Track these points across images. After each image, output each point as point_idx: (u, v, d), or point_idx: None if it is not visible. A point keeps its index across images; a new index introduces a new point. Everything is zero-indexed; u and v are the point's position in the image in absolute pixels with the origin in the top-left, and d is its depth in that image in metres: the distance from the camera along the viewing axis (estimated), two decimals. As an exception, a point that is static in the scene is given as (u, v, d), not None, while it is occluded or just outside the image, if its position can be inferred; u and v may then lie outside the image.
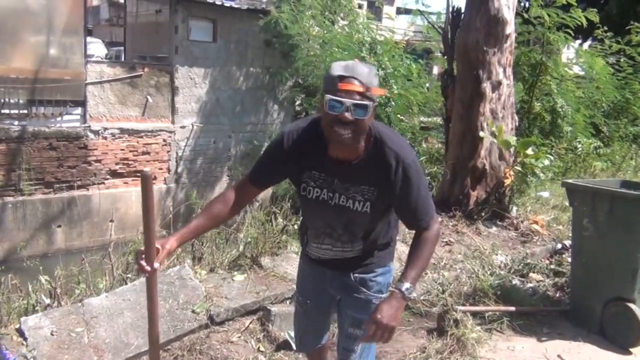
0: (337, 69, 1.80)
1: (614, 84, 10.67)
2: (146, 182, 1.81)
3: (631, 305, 3.50)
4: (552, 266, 4.74)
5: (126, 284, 3.53)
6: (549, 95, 9.28)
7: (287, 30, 12.08)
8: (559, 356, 3.45)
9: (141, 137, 12.43)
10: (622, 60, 11.02)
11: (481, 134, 5.54)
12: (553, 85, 9.22)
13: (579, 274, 3.85)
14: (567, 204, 4.33)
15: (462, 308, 3.61)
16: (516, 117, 6.08)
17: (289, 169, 2.04)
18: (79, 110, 11.56)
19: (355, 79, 1.76)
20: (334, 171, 1.97)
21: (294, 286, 3.56)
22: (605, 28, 10.73)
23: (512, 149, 5.69)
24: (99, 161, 11.80)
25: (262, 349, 3.18)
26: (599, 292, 3.67)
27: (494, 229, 5.48)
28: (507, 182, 5.62)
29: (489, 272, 4.37)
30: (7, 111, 10.65)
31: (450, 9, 6.57)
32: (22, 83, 10.72)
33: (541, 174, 5.81)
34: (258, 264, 3.87)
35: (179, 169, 13.23)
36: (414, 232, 2.04)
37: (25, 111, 10.86)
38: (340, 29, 12.46)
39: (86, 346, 2.88)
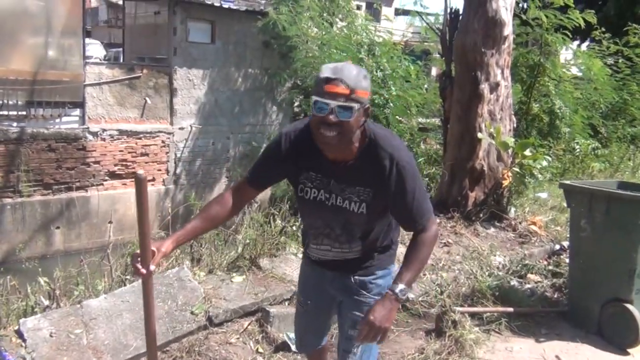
0: (326, 71, 1.81)
1: (611, 85, 10.68)
2: (140, 184, 1.80)
3: (629, 305, 3.52)
4: (550, 267, 4.75)
5: (125, 285, 3.52)
6: (547, 96, 9.29)
7: (285, 32, 12.09)
8: (557, 357, 3.46)
9: (140, 138, 12.44)
10: (620, 61, 11.03)
11: (479, 135, 5.55)
12: (551, 87, 9.22)
13: (577, 275, 3.86)
14: (565, 205, 4.34)
15: (460, 309, 3.62)
16: (514, 119, 6.09)
17: (287, 169, 2.06)
18: (77, 111, 11.57)
19: (342, 81, 1.77)
20: (330, 172, 1.98)
21: (293, 287, 3.58)
22: (603, 29, 10.74)
23: (510, 150, 5.70)
24: (97, 162, 11.81)
25: (260, 350, 3.19)
26: (597, 293, 3.68)
27: (492, 230, 5.49)
28: (505, 183, 5.63)
29: (487, 273, 4.38)
30: (5, 112, 10.66)
31: (449, 11, 6.57)
32: (21, 84, 10.73)
33: (539, 175, 5.83)
34: (257, 265, 3.88)
35: (178, 170, 13.24)
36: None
37: (24, 113, 10.88)
38: (338, 30, 12.46)
39: (85, 348, 2.89)
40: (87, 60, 12.00)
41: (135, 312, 3.11)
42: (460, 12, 6.04)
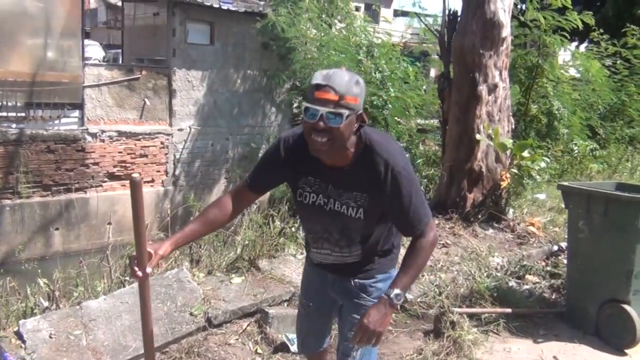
0: (317, 77, 1.82)
1: (610, 86, 10.69)
2: (136, 187, 1.80)
3: (626, 306, 3.53)
4: (548, 268, 4.77)
5: (124, 286, 3.53)
6: (545, 97, 9.30)
7: (284, 33, 12.09)
8: (554, 357, 3.47)
9: (139, 139, 12.44)
10: (618, 62, 11.04)
11: (478, 136, 5.56)
12: (549, 88, 9.23)
13: (575, 276, 3.87)
14: (563, 206, 4.36)
15: (459, 310, 3.64)
16: (512, 120, 6.10)
17: (286, 174, 2.07)
18: (76, 113, 11.57)
19: (332, 87, 1.78)
20: (327, 177, 1.99)
21: (292, 288, 3.60)
22: (601, 30, 10.75)
23: (508, 152, 5.71)
24: (96, 164, 11.81)
25: (259, 351, 3.20)
26: (595, 294, 3.70)
27: (490, 231, 5.50)
28: (504, 184, 5.64)
29: (485, 274, 4.39)
30: (4, 114, 10.67)
31: (447, 12, 6.59)
32: (20, 86, 10.73)
33: (537, 176, 5.84)
34: (256, 266, 3.89)
35: (177, 172, 13.24)
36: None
37: (23, 114, 10.88)
38: (337, 31, 12.47)
39: (84, 349, 2.89)
40: (86, 62, 12.00)
41: (135, 313, 3.12)
42: (459, 13, 6.06)
